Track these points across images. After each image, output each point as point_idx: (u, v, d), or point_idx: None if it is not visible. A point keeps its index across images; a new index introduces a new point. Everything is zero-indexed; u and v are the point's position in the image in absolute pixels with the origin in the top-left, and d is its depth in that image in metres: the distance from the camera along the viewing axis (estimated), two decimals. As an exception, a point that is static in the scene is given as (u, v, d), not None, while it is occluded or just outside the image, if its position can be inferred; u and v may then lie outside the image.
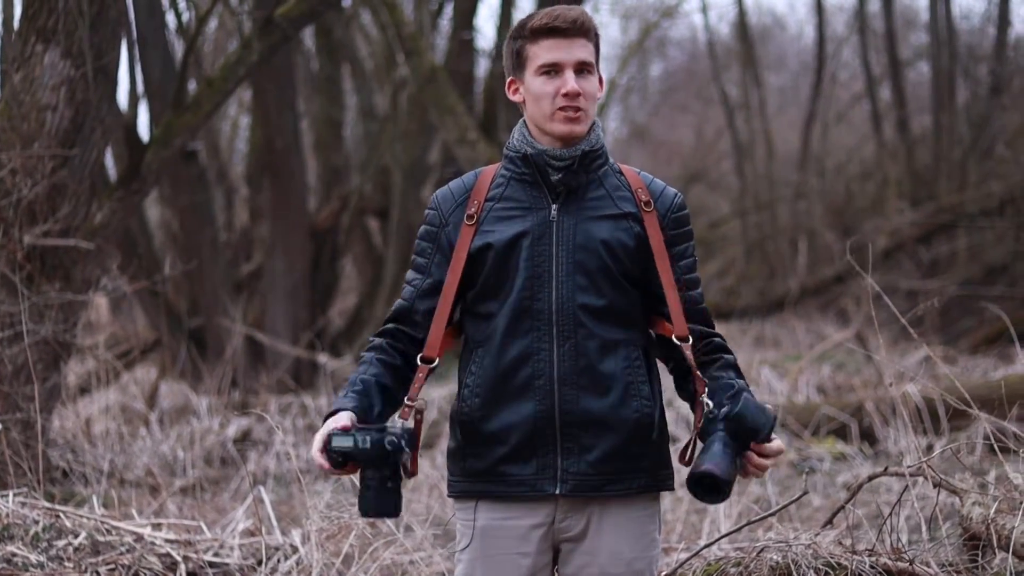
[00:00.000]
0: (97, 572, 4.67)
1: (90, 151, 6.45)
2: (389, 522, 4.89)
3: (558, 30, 2.99)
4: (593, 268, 3.00)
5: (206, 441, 8.59)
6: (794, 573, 3.99)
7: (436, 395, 9.34)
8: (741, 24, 19.23)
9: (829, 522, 4.61)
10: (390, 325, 3.11)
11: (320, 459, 2.85)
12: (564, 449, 2.98)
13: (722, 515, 5.52)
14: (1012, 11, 18.02)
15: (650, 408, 3.01)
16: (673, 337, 3.03)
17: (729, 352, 3.11)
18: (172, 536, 5.05)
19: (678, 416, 8.00)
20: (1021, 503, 3.98)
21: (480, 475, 3.02)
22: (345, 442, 2.82)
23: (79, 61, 6.30)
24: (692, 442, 2.98)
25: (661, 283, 3.03)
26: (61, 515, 4.97)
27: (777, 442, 2.88)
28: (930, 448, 6.89)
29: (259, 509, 5.34)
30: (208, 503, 6.94)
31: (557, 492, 2.98)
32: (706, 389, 3.01)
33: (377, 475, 2.85)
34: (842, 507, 4.55)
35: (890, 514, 4.28)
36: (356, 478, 2.91)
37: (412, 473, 2.95)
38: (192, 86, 10.76)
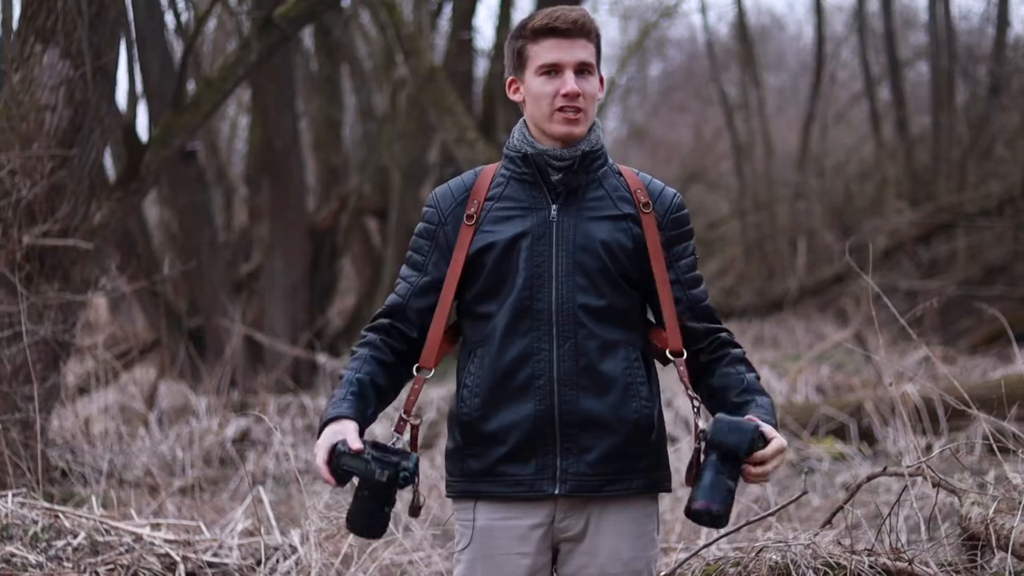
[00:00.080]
0: (96, 572, 4.67)
1: (89, 151, 6.44)
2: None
3: (558, 30, 2.99)
4: (593, 268, 3.00)
5: (205, 441, 8.58)
6: (793, 573, 3.99)
7: (435, 395, 9.34)
8: (740, 24, 19.24)
9: (828, 522, 4.60)
10: (384, 320, 3.09)
11: (326, 475, 2.86)
12: (563, 449, 2.97)
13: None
14: (1011, 11, 18.03)
15: (649, 409, 3.01)
16: (667, 353, 3.05)
17: (736, 346, 3.10)
18: (171, 536, 5.05)
19: (677, 416, 8.01)
20: (1020, 503, 3.98)
21: (479, 475, 3.02)
22: (357, 466, 2.82)
23: (78, 61, 6.30)
24: (693, 463, 2.94)
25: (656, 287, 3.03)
26: (60, 515, 4.96)
27: (772, 445, 2.84)
28: (929, 448, 6.89)
29: (258, 509, 5.34)
30: (207, 503, 6.93)
31: (556, 492, 2.97)
32: (699, 407, 3.02)
33: (378, 503, 2.86)
34: (841, 507, 4.54)
35: (889, 514, 4.28)
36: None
37: (417, 510, 2.97)
38: (191, 86, 10.75)
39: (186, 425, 8.83)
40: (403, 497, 2.96)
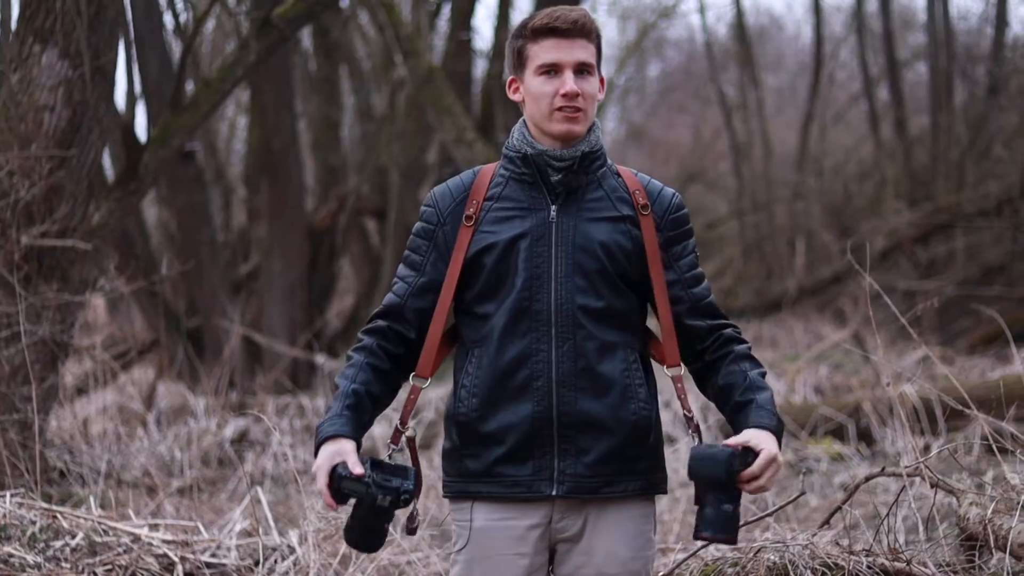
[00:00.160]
0: (94, 573, 4.67)
1: (88, 152, 6.44)
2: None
3: (558, 30, 2.98)
4: (592, 270, 2.99)
5: (203, 442, 8.58)
6: (791, 573, 3.99)
7: (433, 395, 9.33)
8: (739, 24, 19.25)
9: (826, 522, 4.60)
10: (381, 322, 3.09)
11: (328, 499, 2.88)
12: (561, 451, 2.97)
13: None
14: (1010, 11, 18.10)
15: (647, 411, 3.01)
16: (665, 369, 3.07)
17: (741, 342, 3.08)
18: (169, 537, 5.04)
19: (675, 417, 8.00)
20: (1018, 503, 3.98)
21: (476, 476, 3.01)
22: (358, 490, 2.85)
23: (77, 62, 6.29)
24: (695, 492, 2.96)
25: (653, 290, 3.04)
26: (58, 516, 4.96)
27: (760, 460, 2.84)
28: (927, 448, 6.89)
29: (256, 510, 5.34)
30: (205, 504, 6.93)
31: (554, 494, 2.97)
32: (695, 424, 3.05)
33: (377, 521, 2.89)
34: (839, 507, 4.54)
35: (887, 514, 4.28)
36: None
37: (414, 530, 3.02)
38: (190, 86, 10.76)
39: (184, 425, 8.82)
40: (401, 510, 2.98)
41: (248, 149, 14.46)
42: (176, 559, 4.83)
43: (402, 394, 3.11)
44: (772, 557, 4.05)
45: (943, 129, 16.26)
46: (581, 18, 2.99)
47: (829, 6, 20.20)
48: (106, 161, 10.93)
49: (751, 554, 4.12)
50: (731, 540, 2.90)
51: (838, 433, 8.22)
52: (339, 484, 2.85)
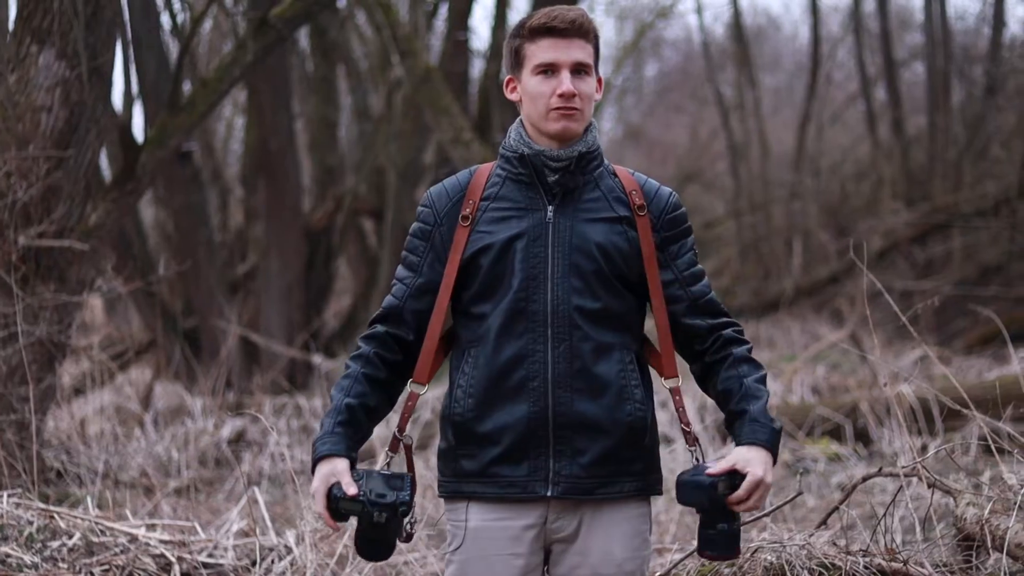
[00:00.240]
0: (91, 573, 4.67)
1: (85, 152, 6.44)
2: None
3: (556, 30, 2.98)
4: (588, 271, 2.99)
5: (200, 442, 8.58)
6: (788, 574, 3.99)
7: (430, 395, 9.33)
8: (736, 25, 19.25)
9: (823, 523, 4.60)
10: (379, 328, 3.08)
11: (328, 520, 2.91)
12: (556, 451, 2.97)
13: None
14: (1007, 11, 18.07)
15: (643, 412, 3.01)
16: (663, 381, 3.08)
17: (741, 343, 3.07)
18: (166, 537, 5.04)
19: (672, 418, 8.00)
20: (1015, 503, 3.98)
21: (472, 476, 3.01)
22: (355, 509, 2.89)
23: (74, 62, 6.29)
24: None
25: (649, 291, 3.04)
26: (55, 516, 4.96)
27: (744, 486, 2.86)
28: (924, 449, 6.89)
29: (253, 510, 5.33)
30: (202, 504, 6.93)
31: (549, 495, 2.97)
32: (693, 437, 3.07)
33: (379, 535, 2.93)
34: (836, 508, 4.54)
35: (884, 515, 4.28)
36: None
37: (409, 537, 3.01)
38: (187, 87, 10.75)
39: (181, 426, 8.82)
40: None
41: (245, 149, 14.45)
42: (173, 559, 4.83)
43: (400, 399, 3.11)
44: (769, 557, 4.05)
45: (940, 129, 16.27)
46: (579, 18, 2.99)
47: (826, 6, 20.26)
48: (103, 161, 10.93)
49: (748, 554, 4.11)
50: (732, 557, 3.00)
51: (835, 433, 8.22)
52: (336, 505, 2.89)
